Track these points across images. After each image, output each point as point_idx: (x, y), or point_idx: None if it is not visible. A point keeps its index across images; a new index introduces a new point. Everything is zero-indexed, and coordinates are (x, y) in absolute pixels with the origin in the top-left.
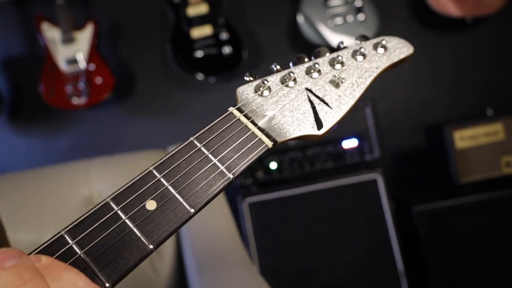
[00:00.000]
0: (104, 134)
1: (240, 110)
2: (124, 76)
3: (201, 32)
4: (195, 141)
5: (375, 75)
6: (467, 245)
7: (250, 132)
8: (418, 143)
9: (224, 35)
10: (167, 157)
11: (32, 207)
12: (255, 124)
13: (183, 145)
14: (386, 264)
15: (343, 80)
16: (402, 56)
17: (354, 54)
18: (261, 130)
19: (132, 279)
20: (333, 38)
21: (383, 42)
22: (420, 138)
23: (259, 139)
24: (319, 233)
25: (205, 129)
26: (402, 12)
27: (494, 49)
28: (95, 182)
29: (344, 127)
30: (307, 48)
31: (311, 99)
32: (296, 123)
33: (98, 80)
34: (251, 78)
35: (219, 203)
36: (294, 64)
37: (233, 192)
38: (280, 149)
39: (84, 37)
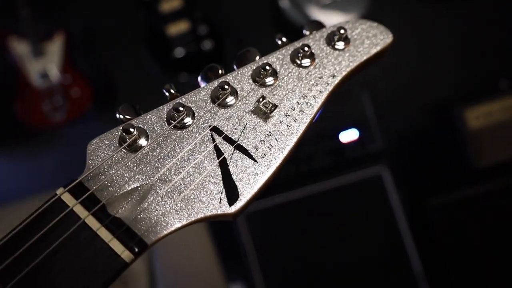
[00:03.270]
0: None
1: (81, 189)
2: (103, 85)
3: (177, 29)
4: None
5: (330, 88)
6: (493, 238)
7: (92, 234)
8: (425, 126)
9: (203, 29)
10: None
11: None
12: (105, 216)
13: None
14: (402, 267)
15: (275, 107)
16: (375, 50)
17: (295, 56)
18: (117, 226)
19: None
20: (323, 20)
21: (342, 32)
22: (427, 119)
23: (108, 248)
24: (324, 239)
25: (3, 241)
26: None
27: (504, 8)
28: None
29: (340, 118)
30: (295, 34)
31: (220, 147)
32: (188, 197)
33: (76, 92)
34: (126, 116)
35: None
36: (204, 80)
37: None
38: None
39: (55, 48)
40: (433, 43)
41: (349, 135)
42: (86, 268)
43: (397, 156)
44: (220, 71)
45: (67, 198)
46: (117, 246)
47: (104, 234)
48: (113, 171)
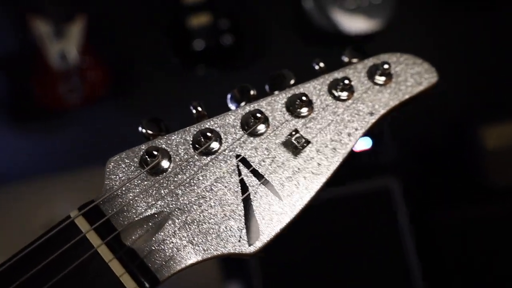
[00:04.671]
0: (103, 133)
1: (96, 213)
2: (121, 71)
3: (199, 21)
4: None
5: (367, 127)
6: (502, 262)
7: (103, 265)
8: (441, 140)
9: (224, 24)
10: None
11: None
12: (119, 246)
13: None
14: (403, 283)
15: (307, 142)
16: (418, 89)
17: (333, 87)
18: (130, 259)
19: None
20: (347, 24)
21: (386, 67)
22: (444, 134)
23: (119, 282)
24: (326, 246)
25: (8, 265)
26: None
27: None
28: (58, 201)
29: None
30: (317, 37)
31: (246, 180)
32: (207, 231)
33: (93, 76)
34: (149, 131)
35: None
36: (234, 101)
37: None
38: None
39: (76, 30)
40: (458, 55)
41: (361, 144)
42: None
43: (409, 169)
44: (252, 92)
45: (81, 222)
46: (128, 281)
47: (116, 267)
48: (131, 195)
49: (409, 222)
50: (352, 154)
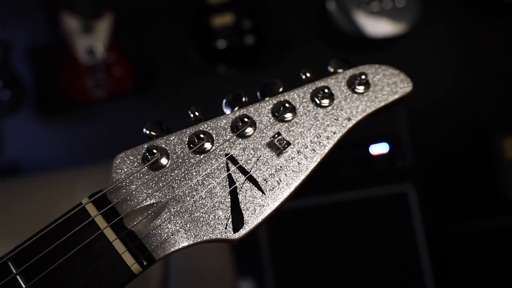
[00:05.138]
0: (125, 127)
1: (103, 200)
2: (144, 68)
3: (222, 20)
4: (10, 264)
5: (344, 130)
6: None
7: (108, 244)
8: (460, 149)
9: (247, 24)
10: None
11: (4, 220)
12: (121, 229)
13: None
14: None
15: (288, 144)
16: (393, 98)
17: (315, 95)
18: (131, 240)
19: None
20: (370, 27)
21: (363, 77)
22: (463, 142)
23: (121, 259)
24: (340, 248)
25: (30, 241)
26: None
27: None
28: (80, 193)
29: (372, 129)
30: (340, 39)
31: (233, 176)
32: (197, 219)
33: (118, 71)
34: (152, 132)
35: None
36: (229, 106)
37: None
38: None
39: (103, 27)
40: (480, 62)
41: (379, 148)
42: (99, 274)
43: (426, 176)
44: (244, 99)
45: (90, 208)
46: (128, 258)
47: (119, 246)
48: (134, 187)
49: (423, 228)
50: (372, 159)
